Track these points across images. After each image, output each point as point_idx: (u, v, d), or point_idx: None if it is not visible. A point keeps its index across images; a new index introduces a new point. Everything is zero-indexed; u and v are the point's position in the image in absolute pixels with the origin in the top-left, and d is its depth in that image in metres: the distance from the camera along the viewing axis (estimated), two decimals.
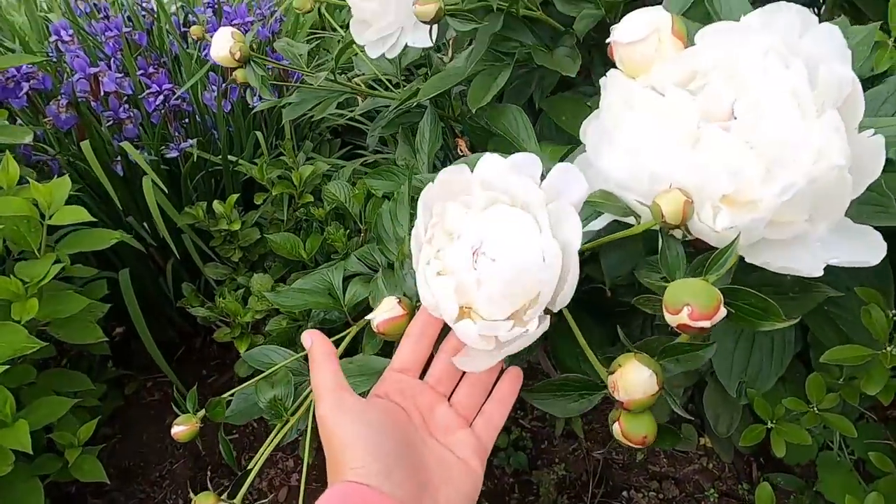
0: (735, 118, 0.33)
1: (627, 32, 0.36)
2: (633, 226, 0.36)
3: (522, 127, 0.63)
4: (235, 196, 0.95)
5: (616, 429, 0.36)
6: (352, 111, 1.25)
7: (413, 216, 0.76)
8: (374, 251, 0.76)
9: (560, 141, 0.70)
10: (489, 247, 0.36)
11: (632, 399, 0.34)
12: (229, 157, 1.09)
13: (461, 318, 0.37)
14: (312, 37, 1.50)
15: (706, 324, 0.30)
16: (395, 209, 0.70)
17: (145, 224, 1.07)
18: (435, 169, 0.82)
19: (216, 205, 0.93)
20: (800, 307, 0.40)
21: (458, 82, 0.67)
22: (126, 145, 0.94)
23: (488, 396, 0.41)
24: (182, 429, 0.49)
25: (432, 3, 0.43)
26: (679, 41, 0.35)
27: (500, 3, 0.52)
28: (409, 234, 0.40)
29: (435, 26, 0.45)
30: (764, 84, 0.32)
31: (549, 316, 0.37)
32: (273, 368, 0.59)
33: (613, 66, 0.76)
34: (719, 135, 0.32)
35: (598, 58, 0.72)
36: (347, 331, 0.70)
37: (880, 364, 0.42)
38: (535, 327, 0.36)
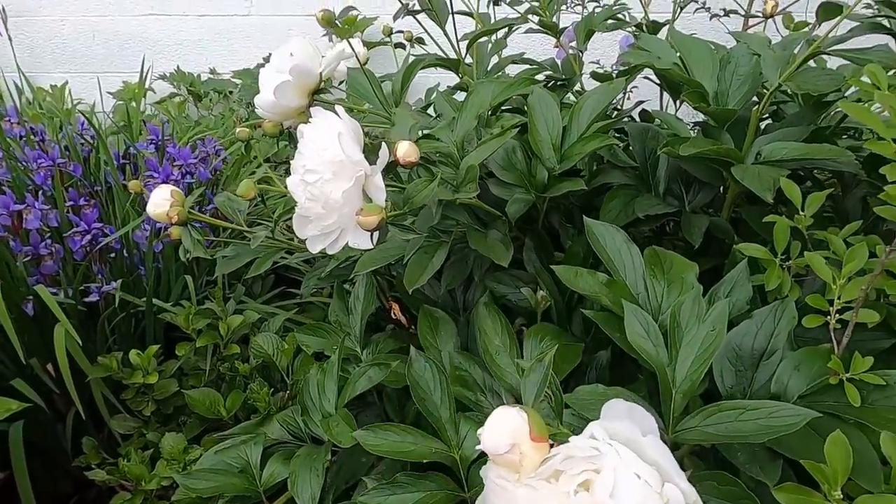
0: None
1: (492, 447, 0.37)
2: None
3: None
4: (155, 347, 0.90)
5: None
6: (286, 258, 1.25)
7: (342, 383, 0.74)
8: (297, 415, 0.73)
9: None
10: None
11: None
12: (155, 300, 1.05)
13: None
14: (258, 170, 1.52)
15: None
16: (322, 380, 0.68)
17: (50, 366, 0.99)
18: (367, 332, 0.81)
19: (133, 355, 0.88)
20: None
21: (396, 258, 0.69)
22: (41, 289, 0.89)
23: None
24: None
25: (375, 215, 0.44)
26: (541, 443, 0.37)
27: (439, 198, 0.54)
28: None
29: (377, 232, 0.47)
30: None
31: None
32: None
33: (543, 245, 0.80)
34: None
35: (528, 240, 0.76)
36: None
37: None
38: None
